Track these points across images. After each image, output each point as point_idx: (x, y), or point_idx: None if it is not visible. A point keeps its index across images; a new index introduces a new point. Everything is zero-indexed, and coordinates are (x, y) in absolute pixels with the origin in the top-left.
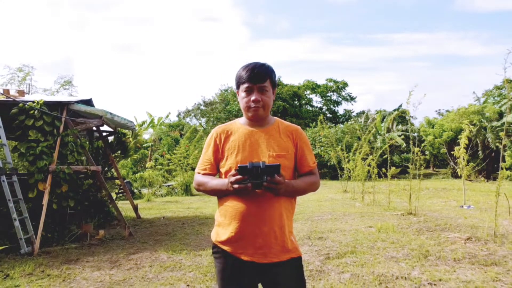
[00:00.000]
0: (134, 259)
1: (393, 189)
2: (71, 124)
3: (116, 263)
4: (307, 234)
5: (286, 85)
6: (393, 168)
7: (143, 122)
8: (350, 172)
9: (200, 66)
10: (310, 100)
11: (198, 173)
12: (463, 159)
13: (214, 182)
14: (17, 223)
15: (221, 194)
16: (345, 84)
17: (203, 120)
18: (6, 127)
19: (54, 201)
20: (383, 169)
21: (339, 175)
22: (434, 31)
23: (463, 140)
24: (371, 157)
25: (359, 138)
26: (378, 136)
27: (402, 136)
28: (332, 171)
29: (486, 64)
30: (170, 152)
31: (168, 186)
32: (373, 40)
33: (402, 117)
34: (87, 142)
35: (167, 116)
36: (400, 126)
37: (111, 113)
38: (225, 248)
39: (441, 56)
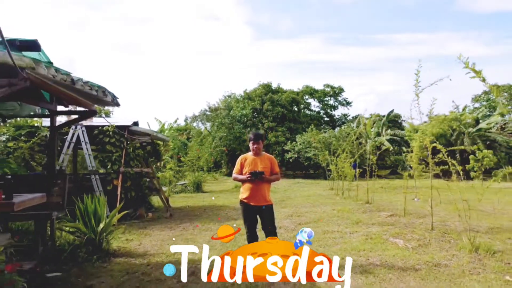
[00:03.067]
0: (181, 226)
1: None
2: (131, 140)
3: (171, 228)
4: (290, 214)
5: (286, 91)
6: (358, 170)
7: (160, 130)
8: (334, 173)
9: (201, 66)
10: (309, 104)
11: (235, 173)
12: (414, 162)
13: (241, 177)
14: None
15: (243, 182)
16: (341, 90)
17: (208, 124)
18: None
19: (122, 192)
20: (358, 170)
21: (327, 175)
22: (436, 31)
23: (415, 149)
24: (348, 160)
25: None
26: (368, 140)
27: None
28: (324, 172)
29: (488, 65)
30: (183, 155)
31: (182, 184)
32: (374, 40)
33: (393, 121)
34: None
35: (175, 121)
36: (389, 131)
37: (155, 132)
38: (244, 200)
39: (442, 56)
